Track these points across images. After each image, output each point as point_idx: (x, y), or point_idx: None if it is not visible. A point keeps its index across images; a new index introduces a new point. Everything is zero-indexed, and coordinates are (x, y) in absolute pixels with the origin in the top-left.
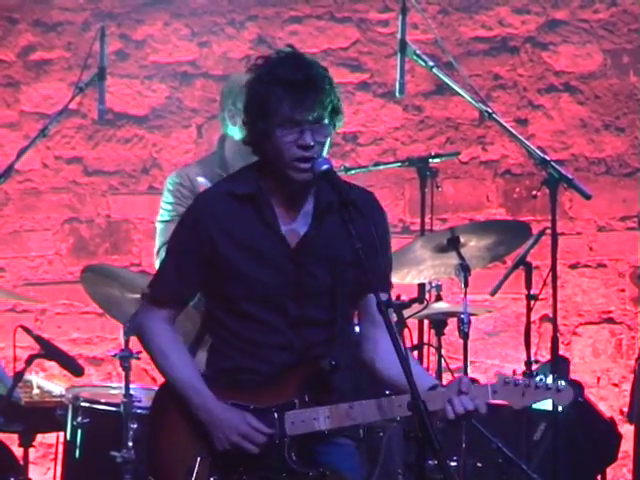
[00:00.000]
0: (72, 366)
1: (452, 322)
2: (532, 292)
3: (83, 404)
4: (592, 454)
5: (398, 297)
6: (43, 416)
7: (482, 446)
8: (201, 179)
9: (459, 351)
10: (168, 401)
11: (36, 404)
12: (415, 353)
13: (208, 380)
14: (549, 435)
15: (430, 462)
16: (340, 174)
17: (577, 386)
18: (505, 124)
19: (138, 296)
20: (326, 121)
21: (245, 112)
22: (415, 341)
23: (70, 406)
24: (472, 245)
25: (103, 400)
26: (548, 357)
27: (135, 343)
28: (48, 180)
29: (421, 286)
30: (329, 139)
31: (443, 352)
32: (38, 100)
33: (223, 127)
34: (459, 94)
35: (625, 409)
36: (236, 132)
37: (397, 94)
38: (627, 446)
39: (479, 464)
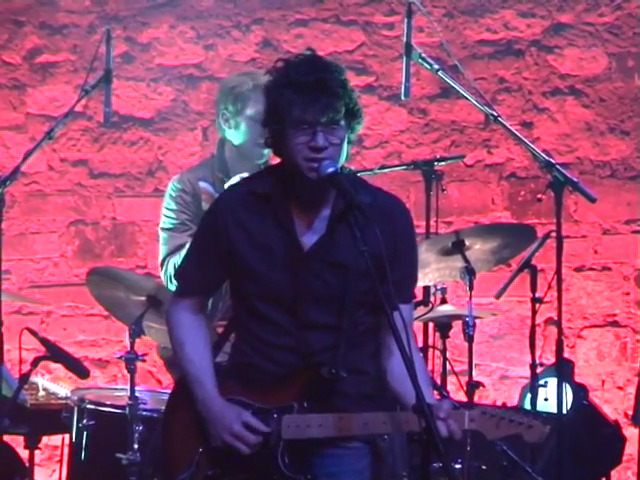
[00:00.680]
0: (78, 368)
1: (457, 325)
2: (537, 295)
3: (89, 406)
4: (596, 457)
5: None
6: (49, 418)
7: (487, 449)
8: (202, 183)
9: (464, 354)
10: (183, 393)
11: (42, 406)
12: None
13: (226, 373)
14: (554, 438)
15: (435, 465)
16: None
17: (581, 389)
18: (510, 127)
19: (143, 298)
20: (341, 123)
21: (264, 115)
22: (420, 344)
23: (76, 408)
24: (477, 248)
25: (108, 402)
26: (553, 360)
27: (140, 345)
28: (54, 182)
29: (426, 289)
30: (346, 141)
31: (448, 355)
32: (44, 103)
33: (220, 131)
34: (464, 97)
35: (630, 412)
36: (233, 135)
37: (402, 97)
38: (632, 449)
39: (484, 467)
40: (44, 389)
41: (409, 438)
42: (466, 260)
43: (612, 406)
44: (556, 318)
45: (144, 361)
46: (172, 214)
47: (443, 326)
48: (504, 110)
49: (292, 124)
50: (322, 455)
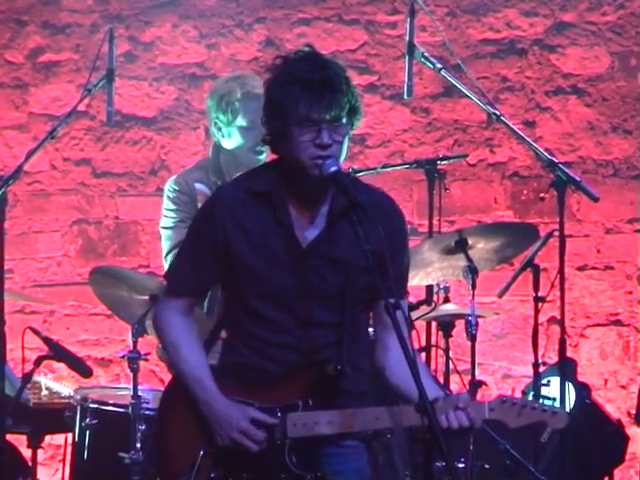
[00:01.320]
0: (80, 367)
1: (460, 324)
2: (540, 294)
3: (91, 405)
4: (599, 456)
5: None
6: (51, 417)
7: (490, 448)
8: (199, 185)
9: (467, 353)
10: (177, 395)
11: (44, 405)
12: (423, 355)
13: (218, 373)
14: (556, 437)
15: (438, 464)
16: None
17: (584, 388)
18: (513, 126)
19: (146, 297)
20: (344, 120)
21: (264, 112)
22: (423, 343)
23: (78, 407)
24: (480, 247)
25: (111, 401)
26: (556, 359)
27: (143, 344)
28: (57, 182)
29: (429, 288)
30: (347, 139)
31: (451, 354)
32: (47, 102)
33: (214, 138)
34: (467, 96)
35: (632, 411)
36: (226, 143)
37: (405, 96)
38: (634, 448)
39: (487, 466)
40: (47, 388)
41: (412, 437)
42: (469, 259)
43: (615, 405)
44: (559, 317)
45: (147, 360)
46: (172, 213)
47: (446, 325)
48: (507, 109)
49: (297, 121)
50: (328, 453)
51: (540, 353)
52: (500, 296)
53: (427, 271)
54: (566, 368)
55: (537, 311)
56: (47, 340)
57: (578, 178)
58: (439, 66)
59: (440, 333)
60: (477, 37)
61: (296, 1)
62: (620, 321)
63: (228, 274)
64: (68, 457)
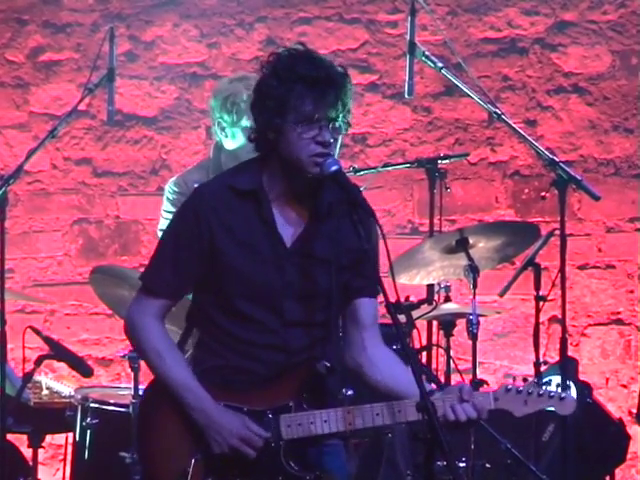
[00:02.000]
0: (81, 367)
1: (461, 323)
2: (541, 293)
3: (92, 405)
4: (601, 455)
5: (407, 298)
6: (52, 417)
7: (491, 447)
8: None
9: (468, 352)
10: (159, 401)
11: (45, 405)
12: (424, 354)
13: (198, 378)
14: (558, 436)
15: (439, 463)
16: (349, 175)
17: (586, 387)
18: (514, 125)
19: None
20: (342, 118)
21: (258, 108)
22: (424, 342)
23: (79, 407)
24: (481, 246)
25: (112, 401)
26: (557, 358)
27: None
28: (57, 181)
29: (430, 287)
30: (340, 137)
31: (452, 353)
32: (47, 101)
33: (216, 137)
34: (468, 95)
35: (634, 410)
36: (229, 143)
37: (406, 95)
38: (636, 447)
39: (488, 465)
40: (48, 388)
41: (413, 436)
42: (470, 258)
43: (616, 404)
44: (560, 316)
45: None
46: (171, 215)
47: (447, 324)
48: (508, 108)
49: (299, 119)
50: (316, 452)
51: (541, 352)
52: (501, 295)
53: (428, 270)
54: (567, 367)
55: (538, 310)
56: (48, 340)
57: (579, 177)
58: (440, 65)
59: (441, 332)
60: (478, 36)
61: (297, 0)
62: (621, 320)
63: (210, 275)
64: (69, 457)
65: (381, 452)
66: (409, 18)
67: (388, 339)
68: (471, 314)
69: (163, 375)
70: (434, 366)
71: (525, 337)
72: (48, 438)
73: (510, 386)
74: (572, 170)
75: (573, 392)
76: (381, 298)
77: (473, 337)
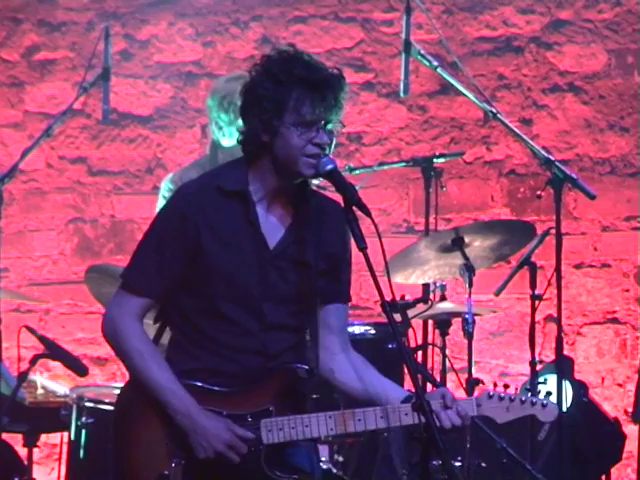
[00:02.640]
0: (76, 366)
1: (456, 322)
2: (536, 292)
3: (87, 404)
4: (596, 454)
5: (402, 297)
6: (47, 416)
7: (486, 446)
8: None
9: (463, 351)
10: (136, 405)
11: (40, 404)
12: (420, 353)
13: None
14: (554, 435)
15: (435, 462)
16: (344, 174)
17: (581, 386)
18: (509, 124)
19: None
20: (338, 120)
21: (252, 111)
22: (420, 341)
23: (74, 406)
24: (476, 245)
25: (107, 400)
26: (552, 357)
27: None
28: (52, 180)
29: (425, 286)
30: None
31: (447, 352)
32: (42, 100)
33: (213, 136)
34: (463, 94)
35: (629, 409)
36: (226, 142)
37: (401, 94)
38: (632, 446)
39: (483, 464)
40: (43, 387)
41: (409, 436)
42: (465, 257)
43: (612, 403)
44: (556, 315)
45: None
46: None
47: (443, 323)
48: (503, 107)
49: (299, 121)
50: (296, 452)
51: (537, 351)
52: (497, 294)
53: (424, 269)
54: (563, 366)
55: (534, 309)
56: (43, 339)
57: (575, 176)
58: (435, 64)
59: (437, 331)
60: (474, 35)
61: None
62: (617, 319)
63: (192, 275)
64: (64, 456)
65: (376, 451)
66: (404, 17)
67: (384, 338)
68: (467, 313)
69: (146, 377)
70: (430, 365)
71: (521, 336)
72: (43, 437)
73: (492, 393)
74: (568, 169)
75: (553, 398)
76: (377, 297)
77: (469, 336)
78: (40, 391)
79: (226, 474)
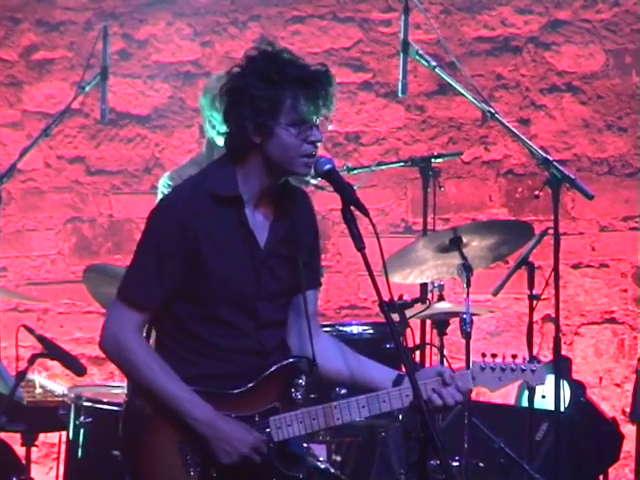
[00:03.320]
0: (74, 366)
1: (454, 322)
2: (534, 292)
3: (85, 403)
4: (594, 454)
5: (400, 297)
6: (45, 415)
7: (484, 446)
8: None
9: (461, 351)
10: (145, 416)
11: (38, 403)
12: (417, 353)
13: None
14: (551, 435)
15: (432, 462)
16: (342, 174)
17: (579, 386)
18: (507, 124)
19: None
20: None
21: (243, 112)
22: (417, 341)
23: (72, 405)
24: (474, 245)
25: (105, 400)
26: (550, 357)
27: None
28: (50, 180)
29: (423, 286)
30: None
31: (445, 352)
32: (41, 100)
33: (208, 134)
34: (462, 94)
35: (627, 409)
36: (221, 140)
37: (400, 94)
38: (629, 446)
39: (481, 464)
40: (41, 386)
41: (406, 435)
42: (463, 257)
43: (610, 403)
44: (553, 315)
45: None
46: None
47: (440, 323)
48: (501, 107)
49: (295, 120)
50: (300, 447)
51: (535, 351)
52: (495, 294)
53: (421, 269)
54: (561, 366)
55: (532, 309)
56: (41, 338)
57: (573, 176)
58: (434, 64)
59: (434, 331)
60: (472, 35)
61: None
62: (615, 319)
63: (189, 283)
64: (62, 455)
65: (374, 451)
66: (403, 17)
67: (382, 338)
68: (464, 313)
69: (157, 389)
70: (427, 365)
71: (519, 336)
72: (41, 437)
73: (484, 364)
74: (566, 169)
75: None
76: (375, 297)
77: (466, 336)
78: (38, 390)
79: (243, 478)
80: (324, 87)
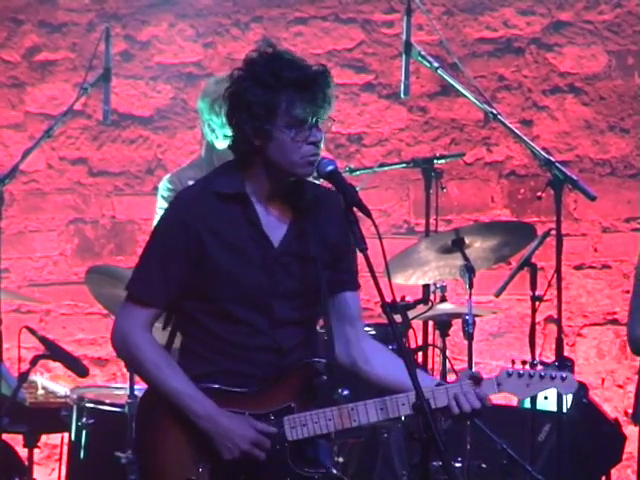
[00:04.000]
0: (77, 367)
1: (457, 323)
2: (537, 293)
3: (88, 405)
4: (596, 455)
5: (403, 298)
6: (48, 417)
7: (487, 447)
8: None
9: (464, 352)
10: (157, 412)
11: (41, 405)
12: (420, 354)
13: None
14: (554, 436)
15: (435, 463)
16: (345, 175)
17: (581, 387)
18: (510, 125)
19: None
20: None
21: (242, 116)
22: (420, 342)
23: (75, 407)
24: (477, 246)
25: (108, 401)
26: (553, 358)
27: None
28: (53, 181)
29: (426, 287)
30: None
31: (448, 353)
32: (43, 101)
33: (207, 138)
34: (464, 95)
35: (630, 410)
36: (220, 144)
37: (402, 95)
38: (632, 447)
39: (484, 465)
40: (43, 388)
41: (409, 436)
42: (466, 258)
43: (612, 404)
44: (556, 316)
45: None
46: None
47: (443, 324)
48: (504, 108)
49: (292, 123)
50: (316, 449)
51: (537, 352)
52: (497, 295)
53: (424, 270)
54: (563, 367)
55: (534, 310)
56: (43, 339)
57: (575, 177)
58: (436, 65)
59: (437, 332)
60: (474, 36)
61: (293, 0)
62: (617, 320)
63: (199, 280)
64: (64, 456)
65: (377, 452)
66: (405, 18)
67: (384, 339)
68: (467, 314)
69: (162, 386)
70: (430, 366)
71: (521, 337)
72: (44, 438)
73: (511, 370)
74: (568, 170)
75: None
76: (377, 298)
77: (469, 337)
78: (40, 392)
79: (254, 475)
80: (321, 88)
